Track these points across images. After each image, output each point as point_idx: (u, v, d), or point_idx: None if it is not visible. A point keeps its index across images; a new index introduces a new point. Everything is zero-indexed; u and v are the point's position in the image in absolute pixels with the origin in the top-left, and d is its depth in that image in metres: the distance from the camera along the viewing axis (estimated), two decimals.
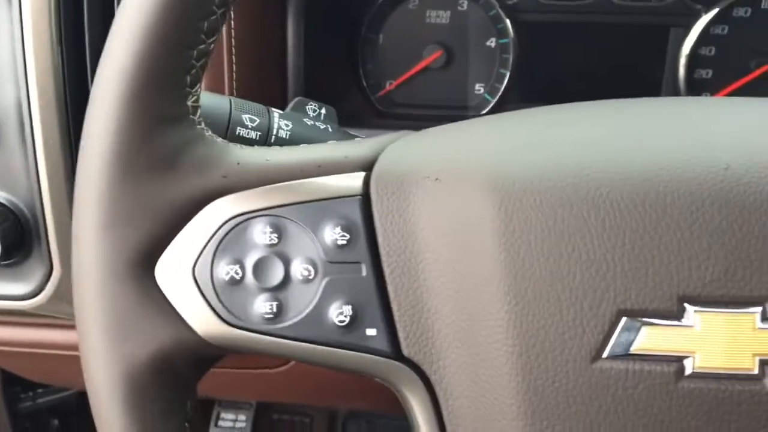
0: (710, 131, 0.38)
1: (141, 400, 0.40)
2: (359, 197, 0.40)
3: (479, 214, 0.37)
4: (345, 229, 0.40)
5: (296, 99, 0.58)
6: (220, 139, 0.41)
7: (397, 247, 0.39)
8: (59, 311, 0.71)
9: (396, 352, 0.40)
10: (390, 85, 0.88)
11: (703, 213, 0.34)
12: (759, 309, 0.34)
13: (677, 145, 0.37)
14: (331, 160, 0.41)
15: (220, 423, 1.29)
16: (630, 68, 0.85)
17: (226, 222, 0.40)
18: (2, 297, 0.69)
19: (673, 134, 0.38)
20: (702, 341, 0.35)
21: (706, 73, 0.84)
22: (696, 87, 0.84)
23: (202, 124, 0.41)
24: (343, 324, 0.39)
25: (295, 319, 0.40)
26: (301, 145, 0.43)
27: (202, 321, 0.40)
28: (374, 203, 0.40)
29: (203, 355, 0.42)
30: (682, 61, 0.83)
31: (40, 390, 1.30)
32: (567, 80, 0.86)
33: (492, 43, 0.86)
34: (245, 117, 0.53)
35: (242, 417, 1.29)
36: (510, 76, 0.86)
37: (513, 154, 0.38)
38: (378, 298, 0.39)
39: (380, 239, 0.39)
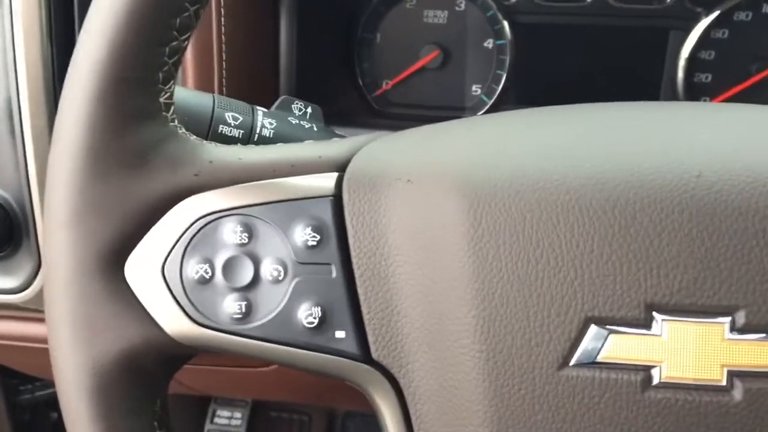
0: (685, 137, 0.37)
1: (108, 397, 0.40)
2: (331, 198, 0.40)
3: (449, 217, 0.37)
4: (316, 229, 0.39)
5: (282, 97, 0.57)
6: (194, 136, 0.41)
7: (367, 249, 0.39)
8: None
9: (365, 355, 0.39)
10: (386, 85, 0.87)
11: (673, 220, 0.34)
12: (728, 319, 0.33)
13: (650, 150, 0.36)
14: (304, 160, 0.41)
15: (216, 420, 1.29)
16: (628, 71, 0.84)
17: (197, 220, 0.40)
18: None
19: (647, 140, 0.37)
20: (670, 351, 0.34)
21: (705, 77, 0.83)
22: (695, 91, 0.83)
23: (176, 122, 0.41)
24: (312, 326, 0.39)
25: (264, 320, 0.40)
26: (277, 144, 0.43)
27: (171, 320, 0.40)
28: (346, 204, 0.39)
29: (172, 354, 0.41)
30: (681, 64, 0.82)
31: (38, 383, 1.30)
32: (564, 82, 0.85)
33: (489, 44, 0.85)
34: (228, 115, 0.53)
35: (238, 414, 1.29)
36: (507, 77, 0.85)
37: (485, 157, 0.38)
38: (348, 300, 0.39)
39: (351, 241, 0.39)
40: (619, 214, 0.34)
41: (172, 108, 0.40)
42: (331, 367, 0.40)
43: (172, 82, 0.40)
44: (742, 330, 0.33)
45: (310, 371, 0.41)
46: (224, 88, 0.68)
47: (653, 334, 0.34)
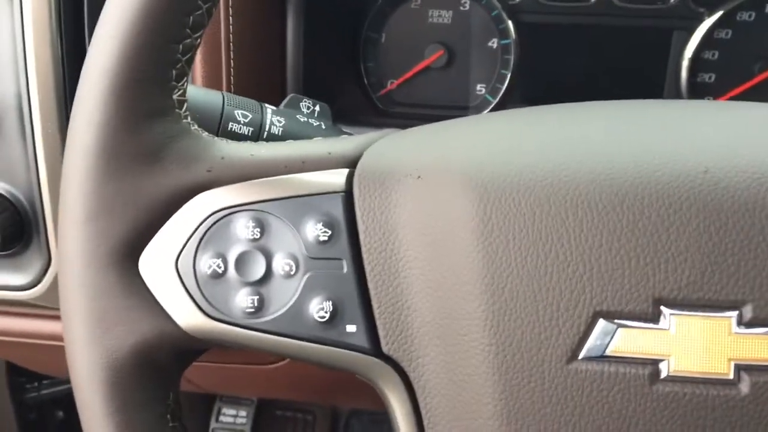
0: (692, 134, 0.38)
1: (122, 390, 0.40)
2: (342, 194, 0.40)
3: (459, 212, 0.37)
4: (327, 225, 0.40)
5: (290, 95, 0.58)
6: (206, 133, 0.42)
7: (378, 244, 0.39)
8: (57, 302, 0.71)
9: (376, 349, 0.40)
10: (391, 84, 0.88)
11: (681, 216, 0.34)
12: (735, 313, 0.34)
13: (658, 147, 0.36)
14: (315, 157, 0.41)
15: (221, 418, 1.29)
16: (632, 71, 0.85)
17: (210, 216, 0.40)
18: (1, 287, 0.70)
19: (654, 136, 0.38)
20: (677, 345, 0.35)
21: (708, 77, 0.83)
22: (699, 91, 0.83)
23: (189, 118, 0.41)
24: (324, 320, 0.40)
25: (276, 314, 0.40)
26: (287, 141, 0.43)
27: (185, 314, 0.40)
28: (357, 200, 0.40)
29: (185, 348, 0.42)
30: (685, 64, 0.82)
31: (45, 381, 1.31)
32: (568, 82, 0.86)
33: (494, 43, 0.86)
34: (238, 112, 0.53)
35: (243, 413, 1.30)
36: (511, 76, 0.86)
37: (495, 153, 0.38)
38: (358, 295, 0.40)
39: (362, 236, 0.39)
40: (627, 210, 0.35)
41: (185, 105, 0.41)
42: (342, 361, 0.41)
43: (185, 79, 0.40)
44: (750, 324, 0.34)
45: (322, 365, 0.41)
46: (232, 87, 0.69)
47: (661, 328, 0.35)
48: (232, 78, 0.69)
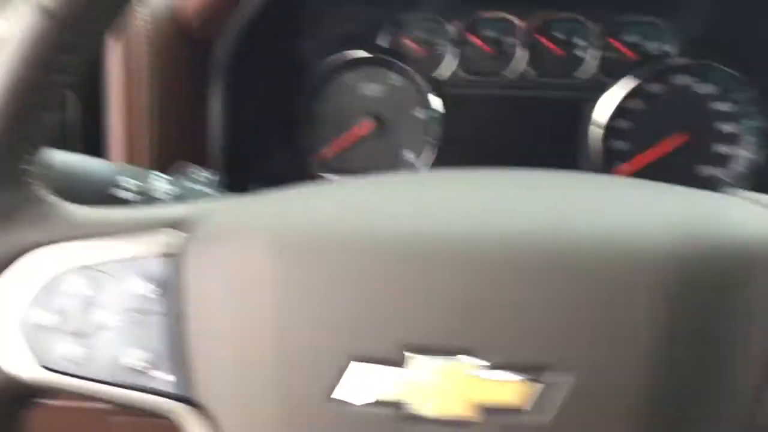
0: (462, 199, 0.41)
1: None
2: (168, 255, 0.44)
3: (251, 271, 0.41)
4: (154, 283, 0.44)
5: (180, 164, 0.63)
6: (52, 197, 0.47)
7: (197, 300, 0.43)
8: None
9: (190, 397, 0.43)
10: (324, 151, 0.93)
11: (424, 266, 0.38)
12: (469, 358, 0.37)
13: (433, 211, 0.40)
14: (148, 220, 0.46)
15: None
16: (549, 139, 0.89)
17: (45, 272, 0.45)
18: None
19: (415, 201, 0.41)
20: (421, 388, 0.38)
21: (622, 145, 0.86)
22: (613, 158, 0.86)
23: (37, 185, 0.46)
24: (143, 368, 0.43)
25: (98, 363, 0.44)
26: (127, 206, 0.48)
27: (14, 362, 0.45)
28: (181, 260, 0.44)
29: (22, 393, 0.46)
30: (598, 133, 0.86)
31: None
32: (490, 150, 0.90)
33: (421, 114, 0.91)
34: (124, 180, 0.59)
35: None
36: (437, 145, 0.90)
37: (300, 218, 0.42)
38: (176, 347, 0.43)
39: (185, 294, 0.43)
40: (380, 264, 0.39)
41: (37, 173, 0.46)
42: (160, 408, 0.44)
43: (36, 150, 0.45)
44: (486, 367, 0.37)
45: (142, 412, 0.45)
46: (154, 159, 0.74)
47: (406, 372, 0.38)
48: (154, 148, 0.74)
